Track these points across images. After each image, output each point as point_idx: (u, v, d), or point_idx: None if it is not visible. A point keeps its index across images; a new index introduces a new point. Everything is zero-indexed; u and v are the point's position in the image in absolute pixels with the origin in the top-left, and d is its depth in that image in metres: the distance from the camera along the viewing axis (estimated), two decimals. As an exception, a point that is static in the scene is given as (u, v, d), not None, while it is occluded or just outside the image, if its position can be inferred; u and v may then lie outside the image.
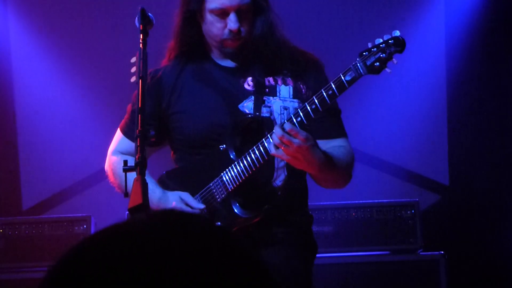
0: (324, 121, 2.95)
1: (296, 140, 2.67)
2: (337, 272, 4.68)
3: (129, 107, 3.11)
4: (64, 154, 5.45)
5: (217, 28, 2.91)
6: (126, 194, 2.66)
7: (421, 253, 4.72)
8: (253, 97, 2.95)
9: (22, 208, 5.46)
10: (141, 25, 2.80)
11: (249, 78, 2.99)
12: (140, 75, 2.72)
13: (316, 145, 2.76)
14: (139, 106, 2.67)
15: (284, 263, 2.87)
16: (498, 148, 5.34)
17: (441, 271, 4.65)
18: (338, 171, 2.87)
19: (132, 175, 2.60)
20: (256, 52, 2.97)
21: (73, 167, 5.43)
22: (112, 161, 3.09)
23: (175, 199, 2.91)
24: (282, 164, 2.94)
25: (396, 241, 4.77)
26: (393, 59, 2.70)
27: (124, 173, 2.63)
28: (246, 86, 2.98)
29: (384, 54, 2.69)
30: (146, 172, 2.61)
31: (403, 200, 4.90)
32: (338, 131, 2.99)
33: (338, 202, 4.87)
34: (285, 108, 2.93)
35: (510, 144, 5.31)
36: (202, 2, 2.91)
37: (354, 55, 2.73)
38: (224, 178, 2.89)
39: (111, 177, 3.09)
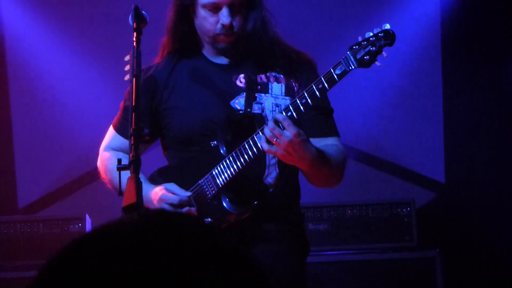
0: (316, 119, 2.95)
1: (287, 133, 2.67)
2: (332, 270, 4.68)
3: (121, 104, 3.11)
4: (60, 152, 5.45)
5: (209, 23, 2.91)
6: (120, 193, 2.66)
7: (417, 251, 4.72)
8: (244, 93, 2.95)
9: (18, 207, 5.46)
10: (134, 23, 2.80)
11: (241, 75, 2.99)
12: (134, 73, 2.72)
13: (308, 140, 2.75)
14: (133, 104, 2.66)
15: (276, 259, 2.87)
16: (495, 146, 5.34)
17: (437, 269, 4.66)
18: (330, 168, 2.87)
19: (126, 173, 2.59)
20: (248, 48, 2.97)
21: (69, 165, 5.43)
22: (104, 157, 3.09)
23: (161, 189, 2.90)
24: (273, 161, 2.93)
25: (392, 239, 4.78)
26: (383, 52, 2.69)
27: (115, 169, 2.63)
28: (238, 83, 2.98)
29: (374, 48, 2.69)
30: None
31: (398, 198, 4.91)
32: (330, 130, 2.99)
33: (334, 200, 4.87)
34: (277, 106, 2.93)
35: (506, 142, 5.31)
36: None
37: (345, 50, 2.73)
38: (215, 174, 2.89)
39: (102, 173, 3.09)
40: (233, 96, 2.96)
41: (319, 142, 2.88)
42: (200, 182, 2.93)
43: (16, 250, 4.71)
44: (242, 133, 2.88)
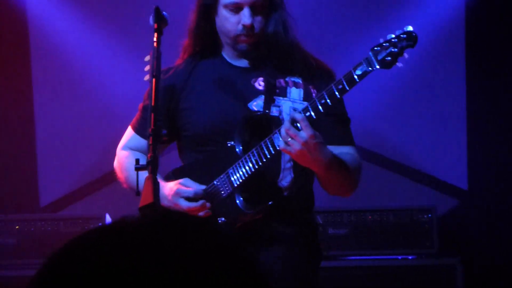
0: (333, 127, 2.95)
1: (303, 134, 2.66)
2: (351, 275, 4.67)
3: (140, 105, 3.12)
4: (82, 152, 5.48)
5: (231, 23, 2.92)
6: (137, 193, 2.67)
7: (437, 258, 4.69)
8: (263, 96, 2.95)
9: (39, 205, 5.50)
10: (155, 24, 2.80)
11: (260, 78, 2.99)
12: (154, 74, 2.72)
13: (323, 144, 2.75)
14: (152, 104, 2.67)
15: (285, 263, 2.87)
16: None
17: (457, 277, 4.62)
18: (345, 173, 2.86)
19: (142, 174, 2.60)
20: (268, 51, 2.97)
21: (91, 165, 5.46)
22: (122, 156, 3.10)
23: (175, 184, 2.90)
24: (289, 165, 2.93)
25: (412, 246, 4.75)
26: (405, 54, 2.68)
27: (132, 168, 2.66)
28: (257, 86, 2.98)
29: (395, 49, 2.68)
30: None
31: (420, 204, 4.88)
32: (346, 139, 2.99)
33: (354, 205, 4.85)
34: (295, 110, 2.92)
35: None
36: None
37: (361, 54, 2.72)
38: (230, 174, 2.89)
39: (118, 173, 3.09)
40: (251, 99, 2.96)
41: (334, 150, 2.87)
42: (215, 182, 2.93)
43: (36, 248, 4.75)
44: (259, 134, 2.88)
